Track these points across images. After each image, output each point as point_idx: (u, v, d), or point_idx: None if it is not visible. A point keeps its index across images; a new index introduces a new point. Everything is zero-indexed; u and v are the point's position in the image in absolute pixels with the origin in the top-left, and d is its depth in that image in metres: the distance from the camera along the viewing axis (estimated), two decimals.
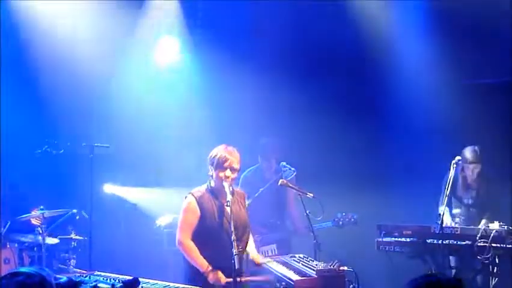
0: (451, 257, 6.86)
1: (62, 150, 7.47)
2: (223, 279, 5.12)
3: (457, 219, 7.09)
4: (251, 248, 5.57)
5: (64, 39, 8.09)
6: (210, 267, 5.19)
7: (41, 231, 7.20)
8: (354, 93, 8.37)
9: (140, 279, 4.54)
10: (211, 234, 5.32)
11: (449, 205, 7.03)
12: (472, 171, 7.05)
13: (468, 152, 7.00)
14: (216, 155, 5.37)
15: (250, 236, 5.58)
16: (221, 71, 8.43)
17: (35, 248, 7.25)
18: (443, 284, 2.89)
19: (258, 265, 5.49)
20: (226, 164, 5.32)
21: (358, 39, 8.16)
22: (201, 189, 5.44)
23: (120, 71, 8.55)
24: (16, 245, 7.24)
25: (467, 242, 6.55)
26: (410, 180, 7.97)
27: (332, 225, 7.17)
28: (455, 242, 6.60)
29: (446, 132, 7.89)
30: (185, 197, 5.45)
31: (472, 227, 6.75)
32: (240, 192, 5.61)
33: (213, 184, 5.42)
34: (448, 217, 6.98)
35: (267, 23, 8.37)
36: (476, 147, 7.03)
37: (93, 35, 8.19)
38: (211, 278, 5.16)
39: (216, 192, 5.41)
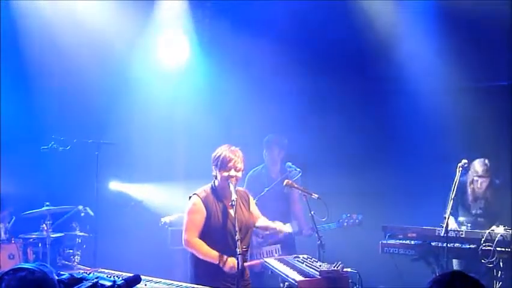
0: (455, 260, 6.84)
1: (69, 147, 7.50)
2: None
3: (463, 227, 7.05)
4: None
5: (71, 36, 8.10)
6: (223, 257, 5.20)
7: (46, 227, 7.23)
8: (358, 95, 8.37)
9: (144, 277, 4.56)
10: (216, 235, 5.32)
11: (456, 210, 7.00)
12: (481, 185, 7.04)
13: (478, 166, 6.99)
14: (219, 155, 5.36)
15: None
16: (229, 69, 8.43)
17: (40, 244, 7.27)
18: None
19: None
20: (230, 164, 5.32)
21: (365, 40, 8.14)
22: (205, 190, 5.43)
23: (128, 68, 8.56)
24: (21, 240, 7.26)
25: (471, 245, 6.55)
26: (415, 182, 7.96)
27: (336, 227, 7.16)
28: (459, 245, 6.59)
29: (451, 133, 7.87)
30: (190, 198, 5.44)
31: (477, 230, 6.72)
32: (242, 192, 5.59)
33: (216, 184, 5.42)
34: (453, 221, 6.95)
35: (276, 20, 8.36)
36: (486, 161, 7.01)
37: (101, 32, 8.20)
38: (226, 267, 5.17)
39: (219, 193, 5.40)
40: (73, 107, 8.22)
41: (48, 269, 3.02)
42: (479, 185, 7.03)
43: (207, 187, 5.45)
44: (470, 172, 6.94)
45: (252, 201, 5.65)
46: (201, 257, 5.29)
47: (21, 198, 7.67)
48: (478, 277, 3.05)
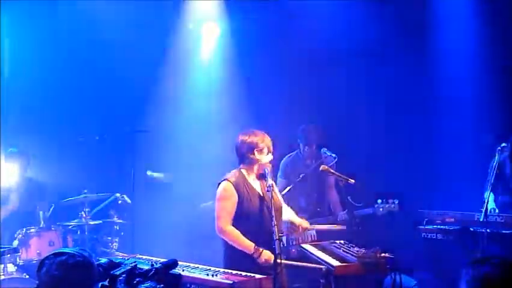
0: (494, 246, 6.72)
1: (105, 135, 7.58)
2: (273, 258, 4.99)
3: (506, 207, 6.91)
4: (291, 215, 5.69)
5: (109, 26, 8.15)
6: (258, 248, 5.17)
7: (84, 215, 7.33)
8: (395, 79, 8.25)
9: (181, 263, 4.59)
10: (249, 221, 5.30)
11: (495, 192, 6.87)
12: None
13: None
14: (249, 140, 5.36)
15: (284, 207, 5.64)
16: (259, 56, 8.41)
17: (79, 231, 7.39)
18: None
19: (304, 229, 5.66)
20: (265, 149, 5.34)
21: (402, 27, 8.05)
22: (235, 175, 5.42)
23: (161, 58, 8.61)
24: (60, 227, 7.39)
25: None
26: (453, 166, 7.86)
27: (372, 212, 7.10)
28: (499, 230, 6.48)
29: (491, 117, 7.73)
30: (219, 184, 5.42)
31: None
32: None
33: (244, 169, 5.41)
34: (492, 204, 6.82)
35: (305, 8, 8.30)
36: None
37: (135, 21, 8.25)
38: (261, 259, 5.15)
39: (250, 178, 5.40)
40: (110, 97, 8.30)
41: (88, 253, 3.08)
42: None
43: (236, 172, 5.44)
44: (506, 147, 6.78)
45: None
46: (235, 245, 5.26)
47: (60, 186, 7.80)
48: None
